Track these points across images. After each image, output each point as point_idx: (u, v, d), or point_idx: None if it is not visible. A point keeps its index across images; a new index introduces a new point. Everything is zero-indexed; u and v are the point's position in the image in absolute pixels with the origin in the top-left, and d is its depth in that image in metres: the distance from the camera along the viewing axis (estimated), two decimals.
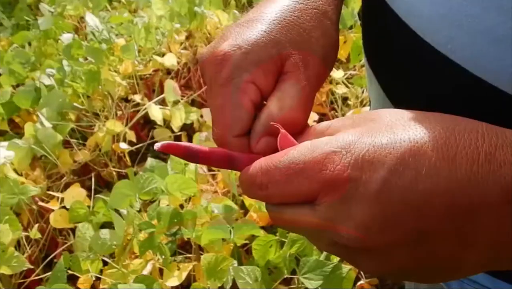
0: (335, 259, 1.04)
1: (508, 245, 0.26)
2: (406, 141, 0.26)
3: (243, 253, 1.11)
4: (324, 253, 1.09)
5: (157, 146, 0.31)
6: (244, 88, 0.33)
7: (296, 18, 0.36)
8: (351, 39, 1.54)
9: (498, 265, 0.28)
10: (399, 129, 0.27)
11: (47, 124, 1.30)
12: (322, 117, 1.48)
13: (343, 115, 1.47)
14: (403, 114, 0.29)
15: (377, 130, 0.27)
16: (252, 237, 1.05)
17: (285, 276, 1.02)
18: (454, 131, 0.27)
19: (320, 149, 0.28)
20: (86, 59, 1.54)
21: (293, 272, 1.02)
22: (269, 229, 1.18)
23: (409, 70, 0.39)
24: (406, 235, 0.26)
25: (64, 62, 1.45)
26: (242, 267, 0.93)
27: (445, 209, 0.26)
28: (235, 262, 0.97)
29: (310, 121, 1.32)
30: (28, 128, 1.29)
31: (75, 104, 1.44)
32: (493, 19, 0.31)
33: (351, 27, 1.63)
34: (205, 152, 0.33)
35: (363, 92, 1.48)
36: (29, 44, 1.67)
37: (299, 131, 0.34)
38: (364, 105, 1.46)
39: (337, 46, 0.39)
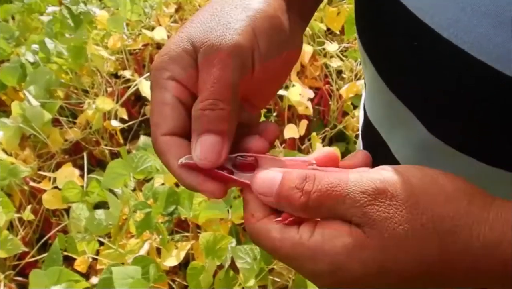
0: None
1: None
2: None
3: (240, 231, 1.10)
4: None
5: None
6: (164, 85, 0.34)
7: (214, 11, 0.35)
8: (345, 11, 1.51)
9: None
10: (403, 268, 0.28)
11: (35, 102, 1.26)
12: (316, 91, 1.46)
13: (337, 89, 1.45)
14: (412, 230, 0.29)
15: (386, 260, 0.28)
16: None
17: None
18: (451, 253, 0.28)
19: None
20: (71, 34, 1.49)
21: None
22: None
23: (406, 55, 0.37)
24: None
25: (47, 40, 1.40)
26: (241, 247, 0.93)
27: None
28: (233, 240, 0.96)
29: (304, 99, 1.31)
30: (15, 107, 1.25)
31: (63, 81, 1.40)
32: (498, 1, 0.29)
33: None
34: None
35: (357, 65, 1.46)
36: (13, 18, 1.61)
37: (224, 119, 0.33)
38: (359, 79, 1.44)
39: (279, 24, 0.36)
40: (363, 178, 0.29)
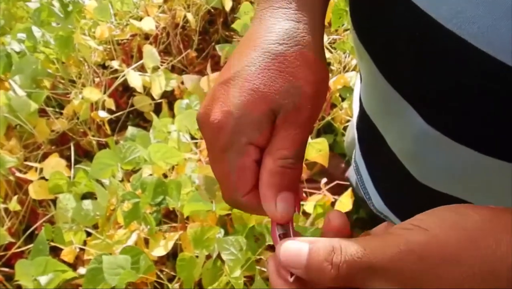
0: (319, 224, 1.05)
1: None
2: None
3: (228, 221, 1.10)
4: (309, 219, 1.09)
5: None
6: (244, 150, 0.35)
7: (280, 65, 0.35)
8: (332, 3, 1.51)
9: None
10: None
11: (21, 92, 1.24)
12: None
13: None
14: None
15: None
16: None
17: (269, 243, 1.02)
18: None
19: None
20: (59, 23, 1.47)
21: None
22: None
23: (406, 46, 0.37)
24: None
25: (34, 28, 1.38)
26: (226, 238, 0.93)
27: None
28: (221, 230, 0.97)
29: None
30: (0, 96, 1.23)
31: (50, 71, 1.38)
32: None
33: None
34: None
35: (346, 57, 1.47)
36: None
37: (297, 176, 0.35)
38: (347, 71, 1.45)
39: (326, 75, 0.37)
40: (386, 243, 0.29)
